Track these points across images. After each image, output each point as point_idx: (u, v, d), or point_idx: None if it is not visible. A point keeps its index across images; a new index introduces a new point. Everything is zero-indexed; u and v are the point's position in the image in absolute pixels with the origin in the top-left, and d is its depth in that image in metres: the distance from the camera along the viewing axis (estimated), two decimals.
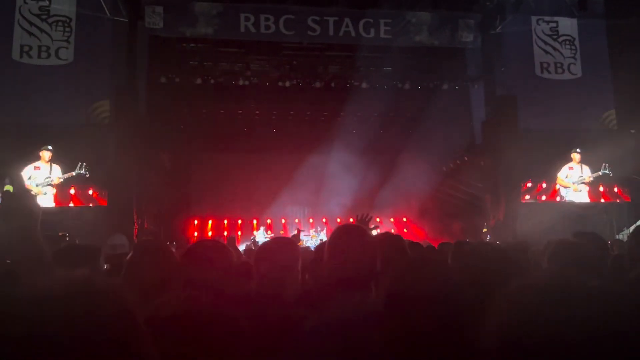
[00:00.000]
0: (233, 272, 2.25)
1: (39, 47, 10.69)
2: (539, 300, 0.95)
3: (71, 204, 10.08)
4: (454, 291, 1.46)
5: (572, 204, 11.24)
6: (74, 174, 9.25)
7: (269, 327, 1.73)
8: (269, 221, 16.49)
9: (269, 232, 15.49)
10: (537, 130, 11.69)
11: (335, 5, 11.82)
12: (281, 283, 2.16)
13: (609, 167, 11.00)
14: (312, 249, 5.03)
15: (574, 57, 12.55)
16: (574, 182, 11.49)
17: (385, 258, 2.18)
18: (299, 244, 12.60)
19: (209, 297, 1.34)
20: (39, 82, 10.48)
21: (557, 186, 11.59)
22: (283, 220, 17.02)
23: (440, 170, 15.66)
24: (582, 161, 11.50)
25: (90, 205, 10.27)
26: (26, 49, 10.64)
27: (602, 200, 11.57)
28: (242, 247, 10.36)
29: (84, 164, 9.27)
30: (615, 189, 11.64)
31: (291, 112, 16.43)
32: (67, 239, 7.03)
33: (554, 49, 12.50)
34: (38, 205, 1.78)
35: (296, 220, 16.82)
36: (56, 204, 9.91)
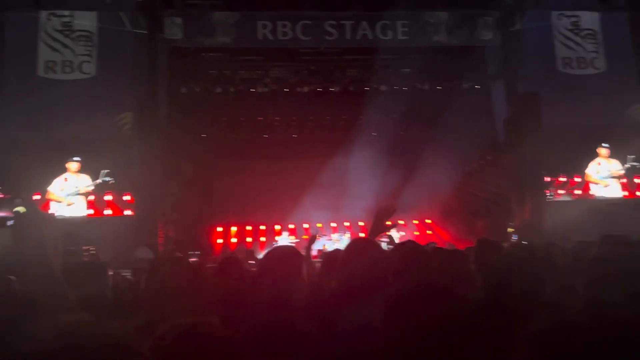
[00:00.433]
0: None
1: (63, 62, 10.93)
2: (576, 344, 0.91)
3: (91, 211, 10.35)
4: (460, 310, 1.42)
5: (601, 201, 10.99)
6: (99, 181, 9.44)
7: (274, 343, 1.72)
8: (291, 226, 16.51)
9: (292, 237, 15.51)
10: (561, 127, 11.49)
11: (352, 9, 11.82)
12: (285, 292, 2.15)
13: (635, 159, 10.75)
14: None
15: (597, 51, 12.31)
16: (603, 177, 11.24)
17: (398, 270, 2.17)
18: (323, 248, 12.60)
19: (215, 322, 1.33)
20: (64, 96, 10.72)
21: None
22: (306, 225, 17.02)
23: (463, 170, 15.48)
24: (610, 156, 11.24)
25: (108, 211, 10.56)
26: (50, 64, 10.88)
27: (638, 193, 11.29)
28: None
29: (107, 171, 9.46)
30: None
31: (311, 117, 16.46)
32: (92, 252, 7.13)
33: (576, 43, 12.28)
34: (50, 226, 1.78)
35: (319, 225, 16.81)
36: (94, 211, 10.26)
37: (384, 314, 1.46)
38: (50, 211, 9.52)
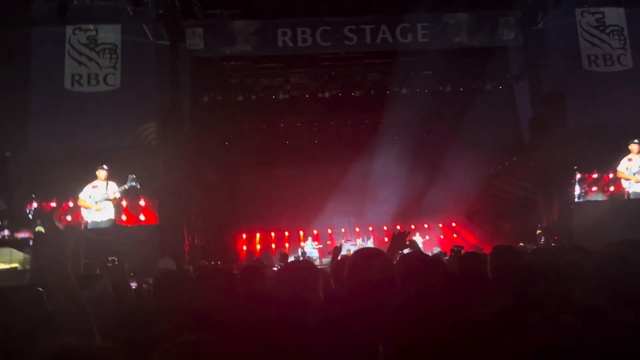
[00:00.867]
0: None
1: (89, 75, 11.18)
2: None
3: (124, 217, 10.61)
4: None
5: (633, 200, 10.69)
6: (126, 186, 9.62)
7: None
8: (315, 232, 16.52)
9: (316, 242, 15.51)
10: (588, 125, 11.25)
11: (371, 13, 11.80)
12: (301, 307, 2.14)
13: None
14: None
15: (623, 48, 12.02)
16: (635, 172, 10.95)
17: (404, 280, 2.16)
18: (347, 254, 12.55)
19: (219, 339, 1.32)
20: (90, 108, 10.96)
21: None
22: (329, 231, 17.02)
23: (489, 172, 15.28)
24: None
25: (142, 217, 10.79)
26: (77, 77, 11.14)
27: None
28: (290, 259, 10.40)
29: (134, 176, 9.63)
30: None
31: (332, 123, 16.49)
32: (116, 263, 7.21)
33: (602, 40, 12.02)
34: (69, 242, 1.80)
35: (342, 230, 16.79)
36: (127, 217, 10.59)
37: (390, 323, 1.45)
38: (81, 216, 9.77)
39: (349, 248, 12.96)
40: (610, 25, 12.07)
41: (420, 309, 1.55)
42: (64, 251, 1.70)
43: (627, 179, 11.01)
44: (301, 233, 16.44)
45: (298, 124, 16.46)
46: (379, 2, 11.80)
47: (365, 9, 11.80)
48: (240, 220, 17.15)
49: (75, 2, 10.92)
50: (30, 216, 10.12)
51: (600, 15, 12.11)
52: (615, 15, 12.10)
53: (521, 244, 10.56)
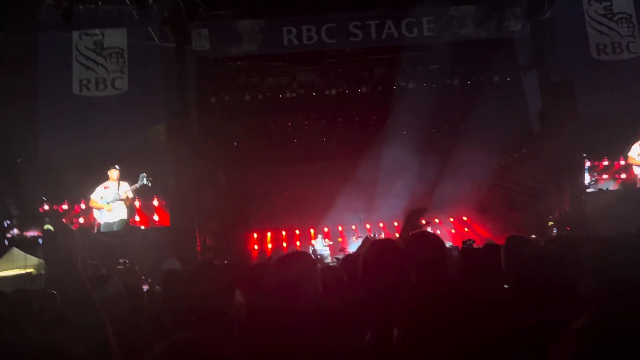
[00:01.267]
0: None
1: (96, 79, 11.25)
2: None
3: (137, 218, 10.70)
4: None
5: None
6: (138, 185, 9.64)
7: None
8: (326, 229, 16.51)
9: (326, 240, 15.51)
10: (598, 114, 11.13)
11: (376, 8, 11.76)
12: (295, 296, 2.14)
13: None
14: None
15: (632, 35, 11.88)
16: None
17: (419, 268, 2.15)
18: None
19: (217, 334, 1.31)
20: (98, 112, 11.05)
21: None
22: (340, 228, 17.00)
23: (499, 164, 15.17)
24: None
25: (155, 217, 10.85)
26: (85, 82, 11.22)
27: None
28: None
29: (145, 174, 9.64)
30: None
31: (339, 120, 16.44)
32: (127, 265, 7.26)
33: (610, 28, 11.89)
34: (78, 241, 1.80)
35: (353, 227, 16.76)
36: (140, 217, 10.62)
37: (406, 311, 1.45)
38: (93, 218, 9.83)
39: (359, 245, 12.92)
40: (618, 13, 11.93)
41: (433, 290, 1.56)
42: (73, 249, 1.70)
43: (638, 165, 10.88)
44: (312, 231, 16.44)
45: (306, 122, 16.45)
46: None
47: (370, 5, 11.76)
48: (251, 220, 17.19)
49: (80, 7, 10.98)
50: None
51: (608, 3, 11.97)
52: (623, 2, 11.96)
53: (533, 236, 10.48)
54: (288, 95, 13.58)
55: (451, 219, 17.29)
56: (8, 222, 8.58)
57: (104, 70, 11.32)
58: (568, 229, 10.41)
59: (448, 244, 13.52)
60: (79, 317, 1.59)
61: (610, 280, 1.63)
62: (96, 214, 9.78)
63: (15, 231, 8.50)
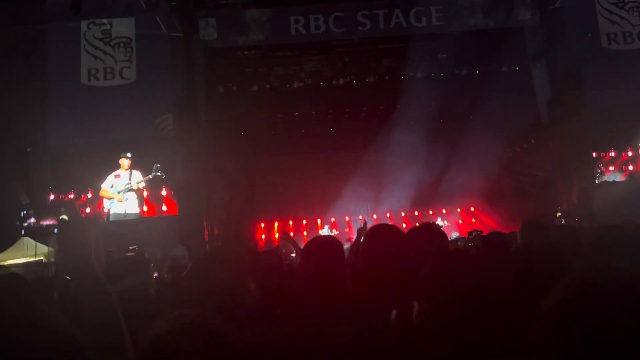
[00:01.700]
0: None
1: (105, 69, 11.28)
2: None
3: (145, 207, 10.76)
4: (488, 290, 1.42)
5: None
6: (150, 177, 9.67)
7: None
8: (333, 219, 16.56)
9: (333, 230, 15.56)
10: (608, 104, 11.03)
11: None
12: (326, 281, 2.16)
13: None
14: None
15: None
16: None
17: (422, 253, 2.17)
18: None
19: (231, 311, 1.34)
20: (106, 101, 11.08)
21: None
22: (347, 218, 17.05)
23: (507, 155, 15.11)
24: None
25: (164, 207, 10.92)
26: (93, 72, 11.25)
27: None
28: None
29: (159, 165, 9.66)
30: None
31: (347, 110, 16.41)
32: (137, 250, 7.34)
33: (621, 17, 11.73)
34: (92, 230, 1.83)
35: (360, 217, 16.80)
36: (148, 207, 10.65)
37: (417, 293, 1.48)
38: (101, 207, 9.88)
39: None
40: (629, 2, 11.76)
41: (452, 266, 1.59)
42: (87, 240, 1.73)
43: None
44: (319, 221, 16.49)
45: (313, 112, 16.42)
46: None
47: None
48: (259, 210, 17.27)
49: None
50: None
51: None
52: None
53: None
54: (295, 85, 13.56)
55: (459, 210, 17.29)
56: (24, 212, 8.69)
57: (112, 60, 11.34)
58: (576, 220, 10.38)
59: (455, 234, 13.54)
60: (92, 309, 1.63)
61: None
62: (106, 203, 9.83)
63: (32, 220, 8.60)
